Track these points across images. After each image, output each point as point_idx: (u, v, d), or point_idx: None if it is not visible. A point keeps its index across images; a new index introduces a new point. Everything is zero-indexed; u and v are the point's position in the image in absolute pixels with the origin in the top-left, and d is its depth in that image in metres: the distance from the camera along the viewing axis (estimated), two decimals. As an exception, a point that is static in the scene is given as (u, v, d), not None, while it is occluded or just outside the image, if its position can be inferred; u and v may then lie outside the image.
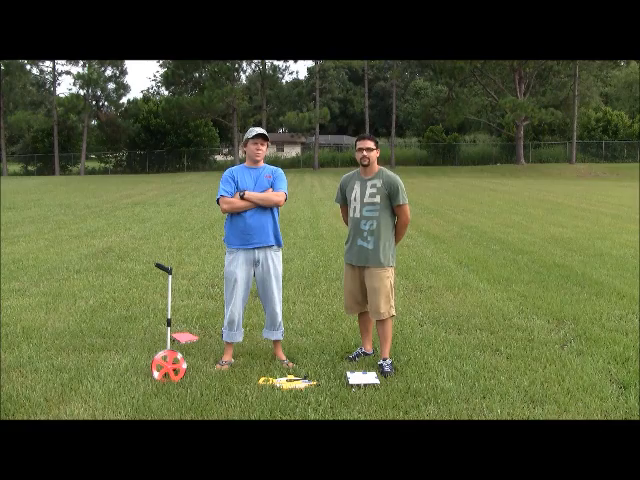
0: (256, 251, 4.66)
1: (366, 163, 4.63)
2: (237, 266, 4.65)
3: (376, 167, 4.71)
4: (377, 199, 4.60)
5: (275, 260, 4.74)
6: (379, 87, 69.52)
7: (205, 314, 6.09)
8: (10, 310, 6.20)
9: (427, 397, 4.06)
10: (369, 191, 4.63)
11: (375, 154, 4.65)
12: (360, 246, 4.66)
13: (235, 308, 4.70)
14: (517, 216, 15.09)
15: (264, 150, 4.67)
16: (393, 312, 4.68)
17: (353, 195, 4.71)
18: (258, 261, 4.68)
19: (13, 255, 9.37)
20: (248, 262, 4.67)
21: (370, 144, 4.61)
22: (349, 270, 4.82)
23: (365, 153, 4.59)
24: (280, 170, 4.80)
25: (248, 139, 4.65)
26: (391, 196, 4.60)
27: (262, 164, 4.76)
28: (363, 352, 4.86)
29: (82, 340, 5.25)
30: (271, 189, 4.65)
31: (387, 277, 4.63)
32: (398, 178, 4.68)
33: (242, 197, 4.56)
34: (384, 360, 4.61)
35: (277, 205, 4.67)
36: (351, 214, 4.75)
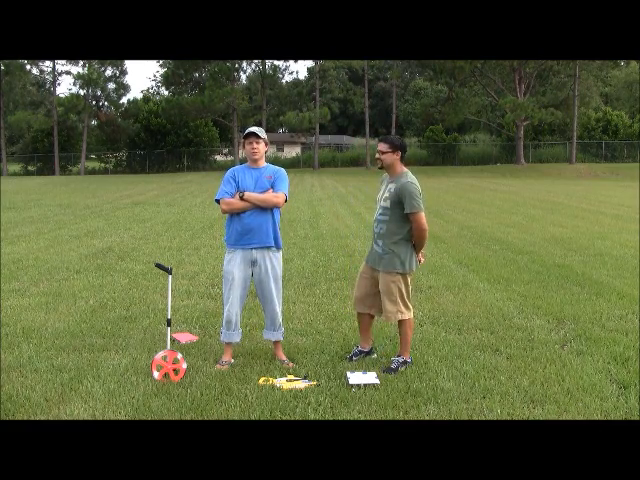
0: (254, 251, 4.64)
1: (378, 166, 4.68)
2: (235, 265, 4.64)
3: (398, 170, 4.60)
4: (388, 204, 4.56)
5: (274, 261, 4.71)
6: (379, 87, 69.49)
7: (205, 314, 6.09)
8: (10, 310, 6.20)
9: (427, 397, 4.06)
10: (385, 194, 4.61)
11: (390, 157, 4.55)
12: (374, 249, 4.70)
13: (232, 308, 4.69)
14: (517, 216, 15.09)
15: (260, 149, 4.62)
16: (400, 317, 4.60)
17: (378, 195, 4.75)
18: (255, 261, 4.66)
19: (13, 255, 9.37)
20: (246, 262, 4.66)
21: (383, 147, 4.57)
22: (365, 266, 4.82)
23: (377, 155, 4.63)
24: (282, 171, 4.75)
25: (244, 140, 4.65)
26: (401, 203, 4.49)
27: (263, 164, 4.73)
28: (359, 350, 4.85)
29: (82, 340, 5.26)
30: (271, 190, 4.62)
31: (393, 282, 4.55)
32: (412, 184, 4.48)
33: (242, 198, 4.57)
34: (397, 356, 4.68)
35: (276, 206, 4.64)
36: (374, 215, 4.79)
